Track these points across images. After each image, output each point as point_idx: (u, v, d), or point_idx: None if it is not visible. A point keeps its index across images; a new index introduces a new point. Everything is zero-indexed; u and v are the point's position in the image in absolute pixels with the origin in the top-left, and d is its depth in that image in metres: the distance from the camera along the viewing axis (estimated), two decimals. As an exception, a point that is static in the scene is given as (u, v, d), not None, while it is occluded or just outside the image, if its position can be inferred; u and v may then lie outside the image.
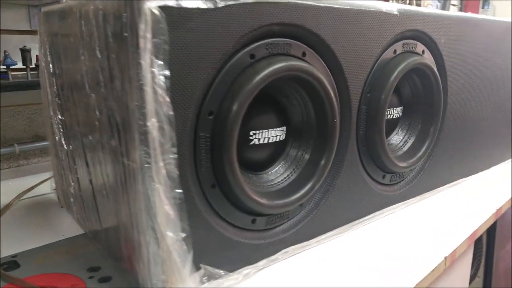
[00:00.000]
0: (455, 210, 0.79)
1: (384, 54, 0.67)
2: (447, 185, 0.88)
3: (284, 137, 0.59)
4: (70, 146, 0.65)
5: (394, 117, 0.76)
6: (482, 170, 0.98)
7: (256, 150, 0.57)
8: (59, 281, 0.53)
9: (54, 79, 0.66)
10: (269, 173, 0.60)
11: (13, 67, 0.90)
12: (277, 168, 0.61)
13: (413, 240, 0.67)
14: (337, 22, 0.58)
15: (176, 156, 0.44)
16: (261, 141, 0.56)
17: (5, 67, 0.86)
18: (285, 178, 0.60)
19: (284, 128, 0.59)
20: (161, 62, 0.41)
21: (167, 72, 0.41)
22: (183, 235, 0.44)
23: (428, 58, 0.75)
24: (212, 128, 0.48)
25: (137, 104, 0.41)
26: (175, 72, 0.43)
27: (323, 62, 0.58)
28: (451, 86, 0.80)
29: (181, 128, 0.45)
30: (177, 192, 0.44)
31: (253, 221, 0.56)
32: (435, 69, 0.74)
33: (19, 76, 0.93)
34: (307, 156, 0.61)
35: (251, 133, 0.55)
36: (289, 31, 0.53)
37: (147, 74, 0.39)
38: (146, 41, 0.39)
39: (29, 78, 0.89)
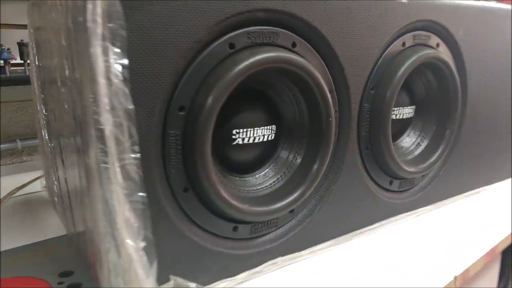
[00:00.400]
0: (473, 222, 0.71)
1: (390, 46, 0.61)
2: (465, 194, 0.79)
3: (273, 137, 0.54)
4: (52, 143, 0.62)
5: (404, 117, 0.69)
6: (505, 178, 0.89)
7: (240, 151, 0.52)
8: (24, 286, 0.50)
9: (38, 72, 0.64)
10: (256, 176, 0.55)
11: (14, 62, 0.89)
12: (265, 171, 0.55)
13: (420, 254, 0.60)
14: (333, 9, 0.52)
15: (138, 155, 0.39)
16: (245, 141, 0.51)
17: (2, 61, 0.85)
18: (273, 182, 0.54)
19: (273, 126, 0.53)
20: (118, 50, 0.36)
21: (125, 61, 0.37)
22: (143, 244, 0.40)
23: (443, 52, 0.67)
24: (183, 125, 0.44)
25: (92, 96, 0.37)
26: (136, 62, 0.38)
27: (317, 54, 0.53)
28: (471, 83, 0.72)
29: (145, 124, 0.41)
30: (140, 195, 0.40)
31: (235, 228, 0.51)
32: (452, 64, 0.67)
33: (18, 71, 0.91)
34: (299, 159, 0.55)
35: (234, 131, 0.50)
36: (276, 18, 0.48)
37: (99, 62, 0.35)
38: (96, 25, 0.34)
39: (27, 73, 0.87)
